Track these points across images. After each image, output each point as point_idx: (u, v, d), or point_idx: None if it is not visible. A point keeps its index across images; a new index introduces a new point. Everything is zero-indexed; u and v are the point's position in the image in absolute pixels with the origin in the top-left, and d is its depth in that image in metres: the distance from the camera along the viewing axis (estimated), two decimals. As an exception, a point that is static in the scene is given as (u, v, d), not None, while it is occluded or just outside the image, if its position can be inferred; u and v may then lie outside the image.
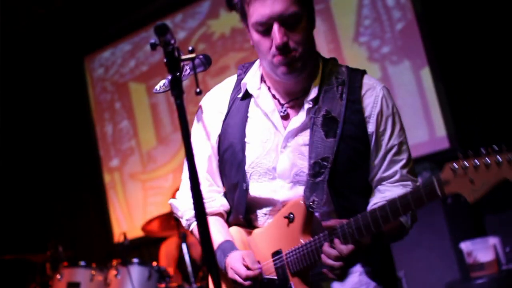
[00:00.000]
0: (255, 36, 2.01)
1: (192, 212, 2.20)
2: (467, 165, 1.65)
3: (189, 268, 4.64)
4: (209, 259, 1.49)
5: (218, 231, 2.15)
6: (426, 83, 5.25)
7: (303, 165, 2.02)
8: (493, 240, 4.26)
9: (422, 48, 5.24)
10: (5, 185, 7.16)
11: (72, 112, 7.33)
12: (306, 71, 2.05)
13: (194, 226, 2.21)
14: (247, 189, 2.10)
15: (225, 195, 2.26)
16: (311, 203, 1.99)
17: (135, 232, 6.07)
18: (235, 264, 2.02)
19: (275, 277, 2.04)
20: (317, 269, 2.00)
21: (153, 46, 1.59)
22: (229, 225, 2.22)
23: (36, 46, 7.38)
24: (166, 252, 5.32)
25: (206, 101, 2.26)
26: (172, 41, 1.58)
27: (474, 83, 5.01)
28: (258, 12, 1.96)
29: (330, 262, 1.90)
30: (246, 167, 2.10)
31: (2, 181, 7.08)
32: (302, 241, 1.99)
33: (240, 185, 2.12)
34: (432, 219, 4.40)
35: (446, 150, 5.10)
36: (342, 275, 1.92)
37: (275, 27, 1.94)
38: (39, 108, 7.51)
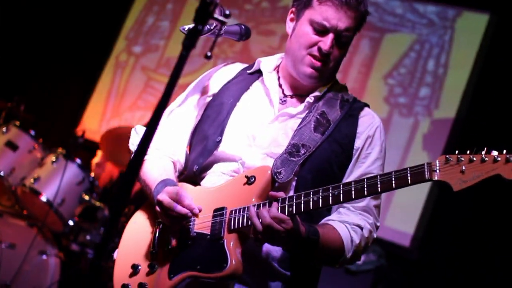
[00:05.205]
0: (305, 28, 2.10)
1: (152, 152, 2.21)
2: (463, 158, 1.66)
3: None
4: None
5: (166, 171, 2.14)
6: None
7: (283, 144, 2.07)
8: None
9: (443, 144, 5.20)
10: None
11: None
12: (322, 81, 2.17)
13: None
14: (219, 142, 2.12)
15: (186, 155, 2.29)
16: (278, 173, 1.98)
17: (98, 134, 5.97)
18: (179, 193, 1.98)
19: (207, 232, 2.00)
20: None
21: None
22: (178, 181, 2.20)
23: None
24: (102, 171, 5.23)
25: (221, 68, 2.35)
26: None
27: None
28: (326, 15, 2.06)
29: (256, 220, 1.86)
30: (227, 126, 2.14)
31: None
32: (254, 200, 1.96)
33: (212, 137, 2.14)
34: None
35: (404, 248, 5.00)
36: (262, 241, 1.89)
37: (331, 35, 2.07)
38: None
